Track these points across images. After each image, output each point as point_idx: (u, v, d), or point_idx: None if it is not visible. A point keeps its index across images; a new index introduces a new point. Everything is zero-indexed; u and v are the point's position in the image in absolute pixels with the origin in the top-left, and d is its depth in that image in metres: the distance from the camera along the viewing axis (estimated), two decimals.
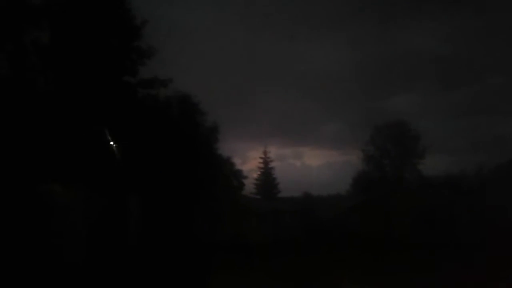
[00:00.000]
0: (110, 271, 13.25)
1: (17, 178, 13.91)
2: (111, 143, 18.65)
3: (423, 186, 38.22)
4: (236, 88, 59.95)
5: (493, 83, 61.38)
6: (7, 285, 10.54)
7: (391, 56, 62.75)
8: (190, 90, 27.85)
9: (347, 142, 72.47)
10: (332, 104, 64.60)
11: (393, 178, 41.32)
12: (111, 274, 12.91)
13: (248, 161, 75.20)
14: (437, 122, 65.18)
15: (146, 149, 20.42)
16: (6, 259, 11.32)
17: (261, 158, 47.47)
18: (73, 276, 12.00)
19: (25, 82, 17.16)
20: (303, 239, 27.06)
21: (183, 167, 22.84)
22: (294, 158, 78.67)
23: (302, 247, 23.32)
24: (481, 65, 61.78)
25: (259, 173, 46.76)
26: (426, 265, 16.52)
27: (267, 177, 46.47)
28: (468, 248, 21.61)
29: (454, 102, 63.56)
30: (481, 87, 62.32)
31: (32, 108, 16.45)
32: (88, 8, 18.76)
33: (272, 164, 47.59)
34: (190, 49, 53.23)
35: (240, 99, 61.49)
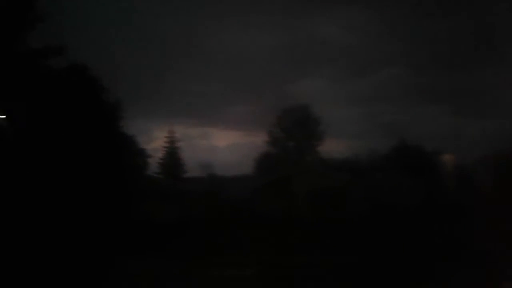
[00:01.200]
0: None
1: None
2: None
3: (322, 168, 40.24)
4: (142, 65, 57.64)
5: (389, 73, 65.97)
6: None
7: (299, 42, 64.40)
8: (90, 63, 25.96)
9: (254, 124, 73.69)
10: (241, 86, 64.99)
11: (297, 160, 42.93)
12: None
13: (154, 140, 73.05)
14: (337, 108, 68.65)
15: (39, 125, 18.81)
16: None
17: (166, 137, 46.48)
18: None
19: None
20: (207, 219, 27.02)
21: (80, 144, 21.36)
22: (201, 138, 78.01)
23: (204, 228, 23.25)
24: (383, 56, 65.96)
25: (164, 152, 45.83)
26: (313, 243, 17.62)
27: (172, 157, 45.67)
28: (359, 222, 23.73)
29: (354, 90, 67.39)
30: (379, 77, 66.75)
31: None
32: None
33: (178, 144, 46.84)
34: (91, 19, 49.75)
35: (146, 76, 59.22)
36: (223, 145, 79.04)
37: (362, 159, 50.95)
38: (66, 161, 20.26)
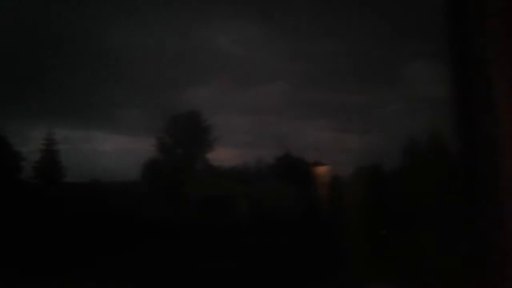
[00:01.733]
0: None
1: None
2: None
3: (210, 175, 40.69)
4: (20, 60, 52.76)
5: (276, 86, 68.92)
6: None
7: (192, 50, 64.31)
8: None
9: (143, 129, 71.56)
10: (130, 90, 62.80)
11: (185, 167, 42.73)
12: None
13: (30, 142, 67.08)
14: (227, 116, 69.94)
15: None
16: None
17: (44, 139, 43.09)
18: None
19: None
20: (82, 225, 25.55)
21: None
22: (85, 142, 73.57)
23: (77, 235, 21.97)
24: (272, 70, 68.64)
25: (41, 156, 42.38)
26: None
27: (50, 160, 42.44)
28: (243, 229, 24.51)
29: (245, 100, 69.16)
30: (269, 88, 69.36)
31: None
32: None
33: (56, 147, 43.66)
34: None
35: (22, 72, 54.32)
36: (109, 149, 75.37)
37: (249, 168, 52.60)
38: None
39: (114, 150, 68.87)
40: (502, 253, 1.94)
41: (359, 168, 41.66)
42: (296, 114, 67.99)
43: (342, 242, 17.55)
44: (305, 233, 24.14)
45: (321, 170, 36.56)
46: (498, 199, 1.98)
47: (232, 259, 15.20)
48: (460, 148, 2.15)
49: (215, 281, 11.45)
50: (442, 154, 32.57)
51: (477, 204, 2.07)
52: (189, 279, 11.55)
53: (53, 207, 26.63)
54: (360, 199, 30.44)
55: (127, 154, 63.83)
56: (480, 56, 2.02)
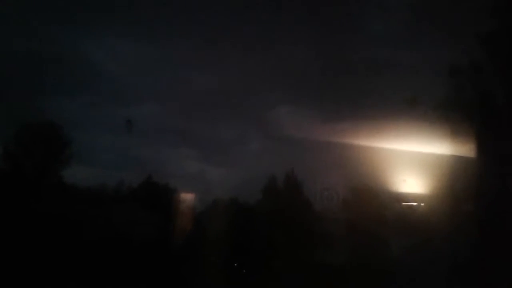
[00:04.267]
0: None
1: None
2: None
3: (62, 193, 37.47)
4: None
5: (148, 109, 67.50)
6: None
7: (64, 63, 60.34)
8: None
9: None
10: None
11: (33, 181, 38.74)
12: None
13: None
14: (91, 134, 66.05)
15: None
16: None
17: None
18: None
19: None
20: None
21: None
22: None
23: None
24: (145, 92, 67.22)
25: None
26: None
27: None
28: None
29: (112, 118, 66.23)
30: (138, 111, 67.52)
31: None
32: None
33: None
34: None
35: None
36: None
37: (107, 189, 49.74)
38: None
39: None
40: None
41: (218, 200, 42.48)
42: (163, 140, 67.09)
43: (190, 270, 17.49)
44: (152, 259, 23.45)
45: (182, 198, 36.39)
46: None
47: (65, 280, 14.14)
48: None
49: None
50: (296, 195, 35.09)
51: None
52: None
53: None
54: (216, 231, 30.83)
55: None
56: None
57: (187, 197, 39.74)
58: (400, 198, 25.65)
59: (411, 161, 24.37)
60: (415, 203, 25.12)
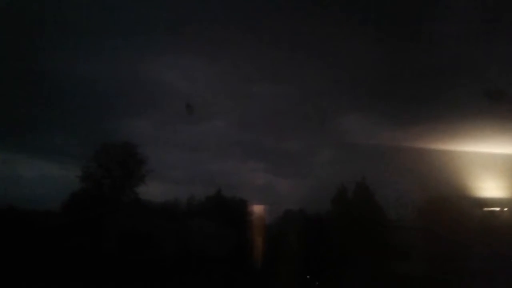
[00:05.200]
0: None
1: None
2: None
3: (138, 209, 39.21)
4: None
5: (215, 125, 69.18)
6: None
7: (133, 82, 63.43)
8: None
9: (69, 157, 68.14)
10: (61, 115, 59.93)
11: (112, 199, 40.94)
12: None
13: None
14: (163, 151, 68.80)
15: None
16: None
17: None
18: None
19: None
20: None
21: None
22: (3, 165, 68.23)
23: None
24: (212, 109, 68.99)
25: None
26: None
27: None
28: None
29: (182, 136, 68.56)
30: (206, 127, 69.38)
31: None
32: None
33: None
34: None
35: None
36: (31, 175, 70.57)
37: (180, 204, 51.44)
38: None
39: (37, 176, 64.72)
40: None
41: (289, 211, 42.25)
42: (231, 154, 68.35)
43: (264, 283, 17.42)
44: (230, 270, 23.71)
45: (253, 210, 36.61)
46: None
47: None
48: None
49: None
50: (369, 205, 33.92)
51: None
52: None
53: None
54: (288, 242, 30.62)
55: (51, 181, 60.18)
56: None
57: (258, 209, 39.96)
58: (481, 203, 23.98)
59: (492, 164, 22.74)
60: (498, 208, 23.40)
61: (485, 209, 24.08)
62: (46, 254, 23.84)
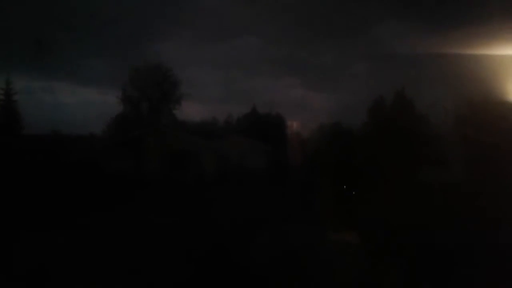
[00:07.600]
0: None
1: None
2: None
3: (177, 130, 40.28)
4: None
5: (247, 41, 67.89)
6: None
7: (160, 3, 62.05)
8: None
9: (107, 81, 69.64)
10: (94, 40, 60.31)
11: (150, 121, 42.11)
12: None
13: None
14: (196, 71, 68.82)
15: None
16: None
17: (1, 89, 41.18)
18: None
19: None
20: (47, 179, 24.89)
21: None
22: (45, 92, 70.52)
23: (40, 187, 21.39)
24: (242, 23, 67.21)
25: None
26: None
27: (8, 111, 40.76)
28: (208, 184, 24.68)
29: (214, 54, 68.01)
30: (237, 43, 68.22)
31: None
32: None
33: (15, 97, 41.88)
34: None
35: None
36: (71, 101, 72.92)
37: (218, 123, 52.42)
38: None
39: (77, 102, 66.81)
40: None
41: (325, 125, 42.31)
42: (265, 70, 67.48)
43: (308, 195, 17.96)
44: (272, 186, 24.55)
45: (289, 126, 36.94)
46: None
47: (191, 213, 15.41)
48: None
49: (170, 234, 11.57)
50: (408, 114, 33.26)
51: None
52: (142, 233, 11.61)
53: (12, 159, 25.75)
54: (325, 156, 31.02)
55: (90, 106, 62.14)
56: None
57: (294, 124, 40.23)
58: None
59: None
60: None
61: None
62: (89, 177, 25.16)
